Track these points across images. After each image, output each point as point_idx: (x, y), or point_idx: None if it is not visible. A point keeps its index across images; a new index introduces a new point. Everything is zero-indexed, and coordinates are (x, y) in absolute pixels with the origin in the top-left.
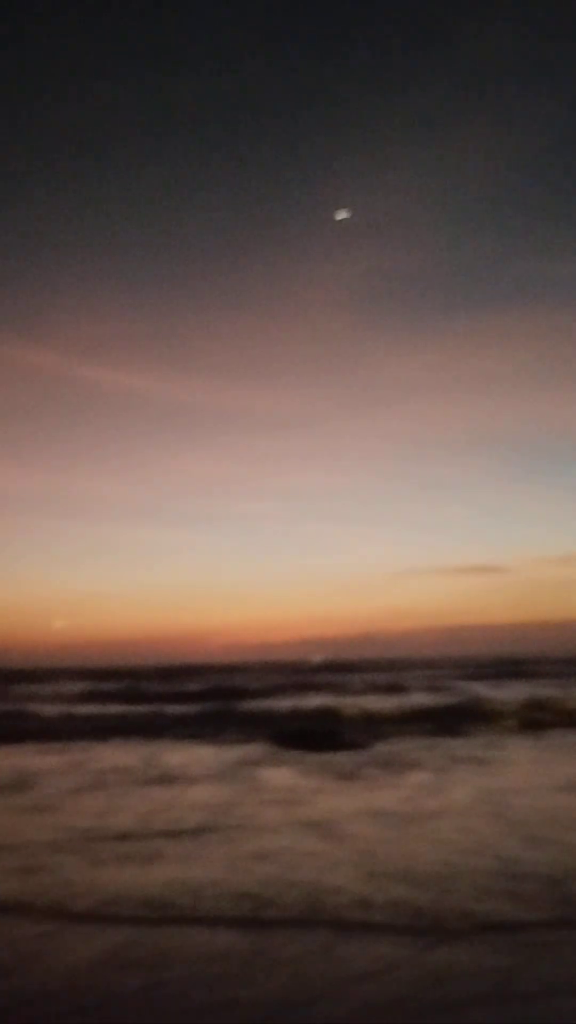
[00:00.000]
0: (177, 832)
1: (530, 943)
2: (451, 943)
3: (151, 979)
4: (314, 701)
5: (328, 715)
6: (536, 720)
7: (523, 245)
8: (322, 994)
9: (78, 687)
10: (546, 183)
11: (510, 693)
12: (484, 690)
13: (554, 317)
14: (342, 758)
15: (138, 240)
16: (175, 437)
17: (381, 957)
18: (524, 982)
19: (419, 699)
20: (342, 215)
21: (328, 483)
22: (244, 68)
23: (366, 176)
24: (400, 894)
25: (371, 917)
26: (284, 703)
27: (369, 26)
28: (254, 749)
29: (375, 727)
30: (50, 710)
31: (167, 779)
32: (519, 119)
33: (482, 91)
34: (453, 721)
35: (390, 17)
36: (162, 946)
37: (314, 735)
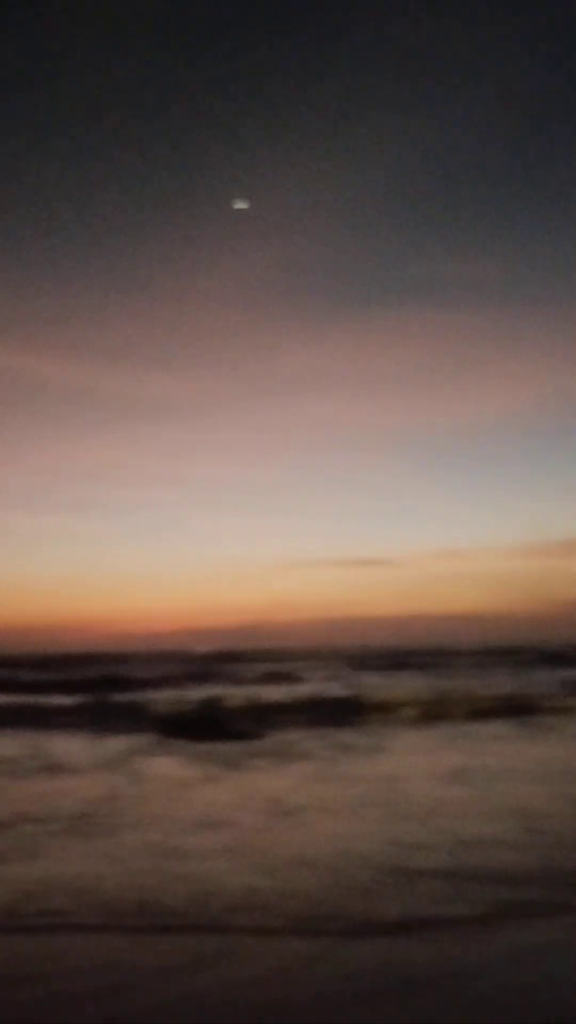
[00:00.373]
0: (57, 826)
1: (425, 939)
2: (346, 942)
3: (37, 993)
4: (203, 691)
5: (217, 705)
6: (425, 711)
7: (423, 244)
8: (221, 999)
9: None
10: (449, 184)
11: (399, 684)
12: (374, 681)
13: (451, 316)
14: (231, 748)
15: (30, 218)
16: (65, 423)
17: (279, 958)
18: (417, 976)
19: (309, 689)
20: (240, 204)
21: (220, 473)
22: (148, 54)
23: (271, 168)
24: (294, 891)
25: (266, 917)
26: (172, 693)
27: (275, 16)
28: (140, 739)
29: (265, 717)
30: None
31: (49, 770)
32: (422, 120)
33: (386, 89)
34: (344, 712)
35: (295, 8)
36: (47, 956)
37: (202, 725)
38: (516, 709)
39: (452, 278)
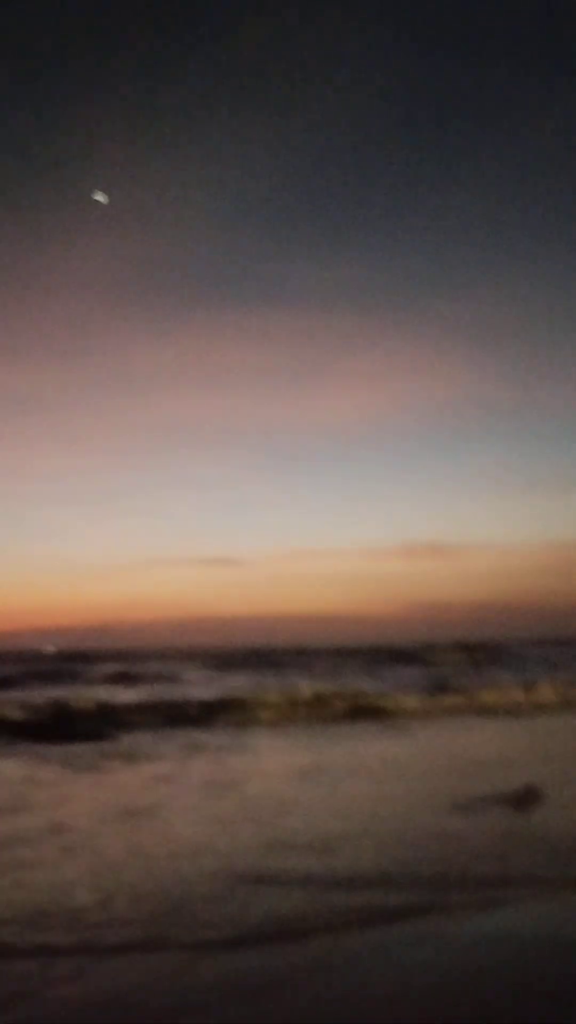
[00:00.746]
0: None
1: (276, 948)
2: (197, 956)
3: None
4: (52, 691)
5: (66, 706)
6: (280, 711)
7: (279, 246)
8: (78, 1018)
9: None
10: (303, 188)
11: (254, 684)
12: (228, 681)
13: (307, 319)
14: (80, 750)
15: None
16: None
17: (125, 977)
18: (266, 986)
19: (162, 690)
20: (99, 197)
21: (67, 468)
22: (9, 50)
23: (128, 163)
24: (143, 902)
25: (113, 932)
26: (19, 694)
27: (140, 16)
28: None
29: (117, 718)
30: None
31: None
32: (284, 123)
33: (251, 91)
34: (198, 712)
35: (159, 9)
36: None
37: (51, 726)
38: (370, 709)
39: (308, 281)
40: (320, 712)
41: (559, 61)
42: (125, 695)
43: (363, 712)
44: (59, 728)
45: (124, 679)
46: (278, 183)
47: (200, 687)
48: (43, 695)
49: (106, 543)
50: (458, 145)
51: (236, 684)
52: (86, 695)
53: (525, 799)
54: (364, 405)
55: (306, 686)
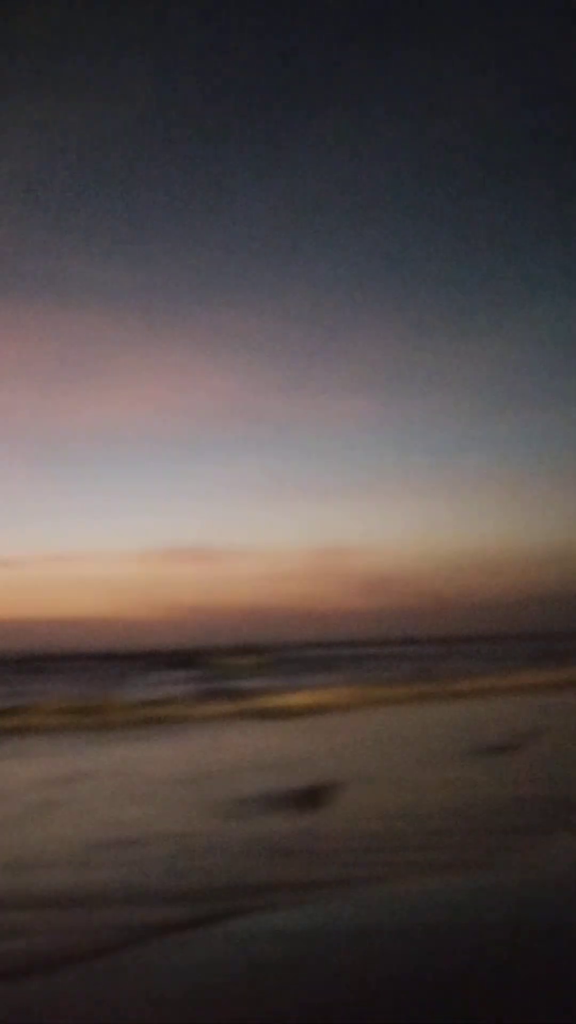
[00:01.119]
0: None
1: (49, 978)
2: None
3: None
4: None
5: None
6: (46, 719)
7: (53, 244)
8: None
9: None
10: (86, 189)
11: (17, 691)
12: None
13: (70, 316)
14: None
15: None
16: None
17: None
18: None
19: None
20: None
21: None
22: None
23: None
24: None
25: None
26: None
27: None
28: None
29: None
30: None
31: None
32: (63, 109)
33: (30, 73)
34: None
35: None
36: None
37: None
38: (145, 714)
39: (84, 281)
40: (93, 719)
41: (359, 61)
42: None
43: (138, 718)
44: None
45: None
46: (60, 180)
47: None
48: None
49: None
50: (241, 152)
51: (10, 690)
52: None
53: (308, 800)
54: (134, 410)
55: (77, 692)
